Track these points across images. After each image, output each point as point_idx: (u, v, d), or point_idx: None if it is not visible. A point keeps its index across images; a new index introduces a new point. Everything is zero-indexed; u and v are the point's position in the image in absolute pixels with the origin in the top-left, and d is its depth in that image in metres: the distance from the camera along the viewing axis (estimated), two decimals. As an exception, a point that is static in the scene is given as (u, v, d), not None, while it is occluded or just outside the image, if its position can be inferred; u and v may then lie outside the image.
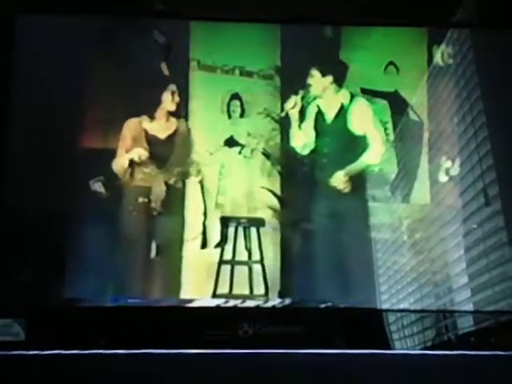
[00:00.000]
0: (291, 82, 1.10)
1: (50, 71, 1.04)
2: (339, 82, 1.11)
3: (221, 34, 1.09)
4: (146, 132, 1.09)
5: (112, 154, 1.06)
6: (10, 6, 1.03)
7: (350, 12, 1.09)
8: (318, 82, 1.11)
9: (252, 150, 1.08)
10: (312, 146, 1.09)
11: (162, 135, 1.10)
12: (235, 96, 1.10)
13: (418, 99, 1.10)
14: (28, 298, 0.95)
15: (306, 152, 1.09)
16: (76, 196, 1.01)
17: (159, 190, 1.06)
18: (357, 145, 1.09)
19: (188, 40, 1.09)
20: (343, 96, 1.11)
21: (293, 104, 1.09)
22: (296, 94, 1.09)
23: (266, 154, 1.08)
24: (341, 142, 1.10)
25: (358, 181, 1.07)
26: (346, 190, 1.07)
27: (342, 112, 1.11)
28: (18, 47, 1.03)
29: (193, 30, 1.09)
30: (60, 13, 1.06)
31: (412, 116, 1.10)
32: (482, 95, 1.06)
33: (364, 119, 1.10)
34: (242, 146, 1.09)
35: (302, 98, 1.10)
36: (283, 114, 1.09)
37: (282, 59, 1.10)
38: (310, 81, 1.11)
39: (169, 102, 1.09)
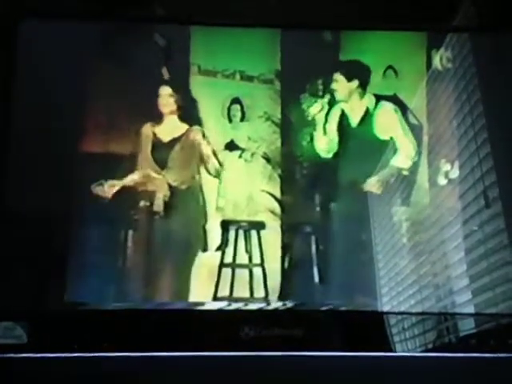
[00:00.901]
0: (291, 86, 1.11)
1: (52, 76, 1.05)
2: (364, 86, 1.12)
3: (221, 38, 1.10)
4: (154, 135, 1.10)
5: (115, 157, 1.06)
6: (14, 11, 1.05)
7: (349, 16, 1.10)
8: (343, 87, 1.11)
9: (252, 154, 1.09)
10: (335, 149, 1.09)
11: (166, 138, 1.11)
12: (236, 100, 1.11)
13: (417, 103, 1.11)
14: (30, 300, 0.96)
15: (330, 155, 1.09)
16: (78, 200, 1.02)
17: (163, 193, 1.07)
18: (384, 149, 1.09)
19: (188, 45, 1.10)
20: (368, 100, 1.12)
21: (319, 108, 1.10)
22: (322, 97, 1.10)
23: (267, 158, 1.08)
24: (366, 147, 1.10)
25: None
26: (379, 193, 1.07)
27: (368, 116, 1.11)
28: (21, 53, 1.04)
29: (193, 35, 1.10)
30: (62, 18, 1.07)
31: (411, 119, 1.10)
32: (482, 98, 1.07)
33: (390, 123, 1.10)
34: (243, 150, 1.09)
35: (328, 102, 1.11)
36: (310, 119, 1.10)
37: (282, 63, 1.11)
38: (334, 86, 1.11)
39: (167, 105, 1.10)
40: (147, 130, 1.09)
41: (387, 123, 1.10)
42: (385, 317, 0.98)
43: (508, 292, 0.98)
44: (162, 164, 1.09)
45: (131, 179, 1.06)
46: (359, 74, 1.11)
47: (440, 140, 1.09)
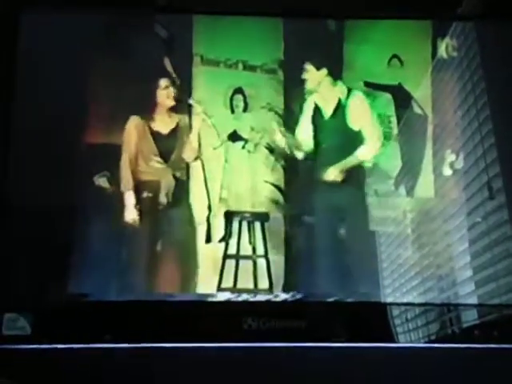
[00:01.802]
0: (294, 76, 1.10)
1: (53, 67, 1.04)
2: (334, 74, 1.11)
3: (224, 28, 1.09)
4: (150, 127, 1.10)
5: (117, 149, 1.06)
6: (14, 3, 1.04)
7: (353, 5, 1.09)
8: (313, 76, 1.10)
9: (255, 145, 1.08)
10: (310, 141, 1.09)
11: (165, 130, 1.10)
12: (238, 90, 1.10)
13: (422, 92, 1.10)
14: (34, 292, 0.96)
15: (305, 148, 1.09)
16: (81, 191, 1.02)
17: (168, 183, 1.06)
18: (353, 140, 1.09)
19: (191, 34, 1.09)
20: (340, 90, 1.11)
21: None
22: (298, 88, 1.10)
23: (270, 149, 1.08)
24: (339, 138, 1.10)
25: (358, 174, 1.07)
26: (338, 180, 1.07)
27: (340, 108, 1.11)
28: (22, 44, 1.03)
29: (195, 25, 1.09)
30: (63, 8, 1.06)
31: (416, 109, 1.10)
32: (487, 88, 1.06)
33: (361, 114, 1.10)
34: (246, 141, 1.09)
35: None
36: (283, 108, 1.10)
37: (285, 53, 1.10)
38: (305, 75, 1.10)
39: (164, 96, 1.09)
40: (143, 121, 1.09)
41: (358, 112, 1.10)
42: (388, 308, 0.98)
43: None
44: (165, 155, 1.09)
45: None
46: (328, 61, 1.11)
47: (445, 130, 1.08)
